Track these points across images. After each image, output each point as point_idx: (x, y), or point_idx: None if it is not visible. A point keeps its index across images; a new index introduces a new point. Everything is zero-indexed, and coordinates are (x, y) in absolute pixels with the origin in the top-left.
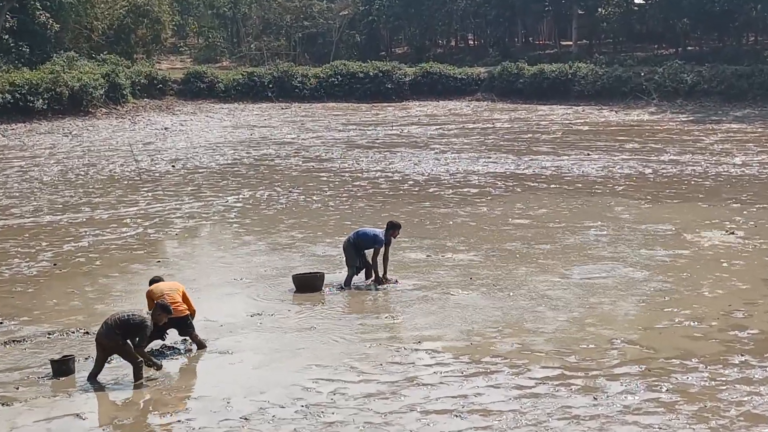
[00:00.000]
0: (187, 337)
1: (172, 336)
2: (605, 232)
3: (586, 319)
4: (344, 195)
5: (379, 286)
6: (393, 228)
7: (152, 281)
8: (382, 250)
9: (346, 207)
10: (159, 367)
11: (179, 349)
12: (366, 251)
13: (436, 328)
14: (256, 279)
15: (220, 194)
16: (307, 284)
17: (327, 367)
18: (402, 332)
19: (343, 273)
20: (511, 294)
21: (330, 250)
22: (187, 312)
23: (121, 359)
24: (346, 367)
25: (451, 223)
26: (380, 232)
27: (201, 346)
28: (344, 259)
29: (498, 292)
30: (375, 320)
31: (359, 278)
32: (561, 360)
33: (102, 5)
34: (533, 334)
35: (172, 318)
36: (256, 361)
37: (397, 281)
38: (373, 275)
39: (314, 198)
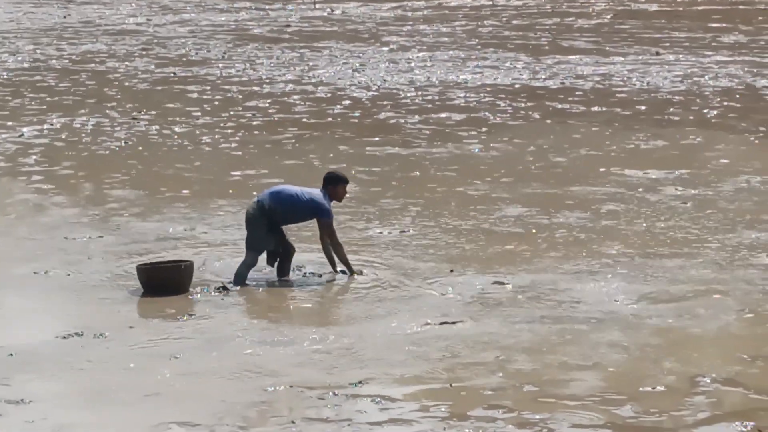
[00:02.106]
0: None
1: None
2: (687, 192)
3: (654, 344)
4: (229, 125)
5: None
6: (335, 182)
7: None
8: (330, 224)
9: (234, 146)
10: None
11: None
12: (287, 226)
13: (391, 356)
14: (73, 272)
15: (9, 123)
16: (164, 281)
17: (196, 427)
18: (330, 365)
19: (232, 261)
20: (521, 297)
21: (201, 226)
22: None
23: None
24: (229, 427)
25: (416, 174)
26: (317, 193)
27: None
28: (246, 236)
29: (499, 296)
30: (282, 345)
31: (259, 273)
32: (608, 414)
33: None
34: (561, 370)
35: None
36: (71, 417)
37: (360, 273)
38: (331, 267)
39: (176, 130)
